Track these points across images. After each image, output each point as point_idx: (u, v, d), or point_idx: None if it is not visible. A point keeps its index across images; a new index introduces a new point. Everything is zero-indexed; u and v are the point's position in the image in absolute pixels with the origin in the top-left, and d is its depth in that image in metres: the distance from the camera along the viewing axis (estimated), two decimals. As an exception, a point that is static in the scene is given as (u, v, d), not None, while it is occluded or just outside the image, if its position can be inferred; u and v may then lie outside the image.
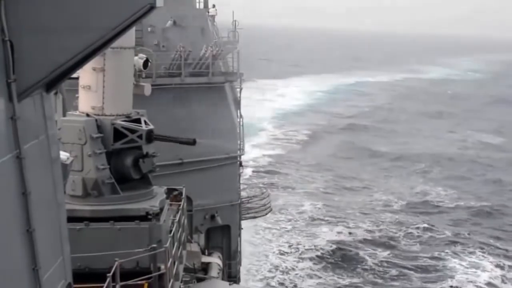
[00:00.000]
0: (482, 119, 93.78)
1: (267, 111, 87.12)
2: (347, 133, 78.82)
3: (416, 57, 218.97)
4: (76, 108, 15.22)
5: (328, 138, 75.68)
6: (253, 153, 60.05)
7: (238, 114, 26.30)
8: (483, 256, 39.04)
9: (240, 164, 26.37)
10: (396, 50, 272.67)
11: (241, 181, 27.92)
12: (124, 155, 14.86)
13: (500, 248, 40.64)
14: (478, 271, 36.63)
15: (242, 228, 27.62)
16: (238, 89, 26.65)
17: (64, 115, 14.51)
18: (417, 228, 43.75)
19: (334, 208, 47.84)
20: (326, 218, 45.31)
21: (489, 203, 49.98)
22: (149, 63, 16.78)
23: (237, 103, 26.65)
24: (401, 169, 61.00)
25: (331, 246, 39.52)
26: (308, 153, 67.52)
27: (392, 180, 57.38)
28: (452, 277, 35.87)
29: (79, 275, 9.48)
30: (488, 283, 35.18)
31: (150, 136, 14.95)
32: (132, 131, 14.80)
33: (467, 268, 37.19)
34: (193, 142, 15.37)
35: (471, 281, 35.29)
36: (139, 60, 16.09)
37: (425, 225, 44.19)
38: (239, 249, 26.66)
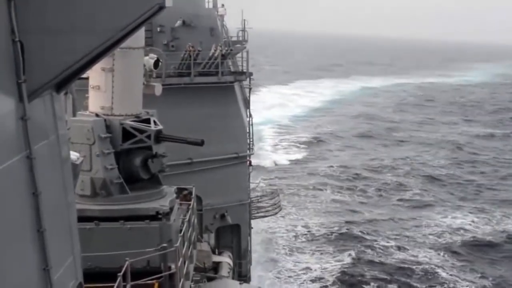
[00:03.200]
0: None
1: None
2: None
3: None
4: (86, 108, 15.26)
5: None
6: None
7: (247, 114, 26.30)
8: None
9: (250, 164, 26.37)
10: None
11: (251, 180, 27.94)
12: (133, 155, 14.88)
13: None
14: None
15: (252, 227, 27.62)
16: (247, 89, 26.66)
17: (74, 115, 14.55)
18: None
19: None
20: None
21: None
22: (160, 63, 16.78)
23: (247, 103, 26.66)
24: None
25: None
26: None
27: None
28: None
29: (89, 275, 9.49)
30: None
31: (159, 137, 14.95)
32: (141, 131, 14.80)
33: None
34: (201, 143, 15.33)
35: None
36: (149, 60, 16.10)
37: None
38: (249, 248, 26.67)
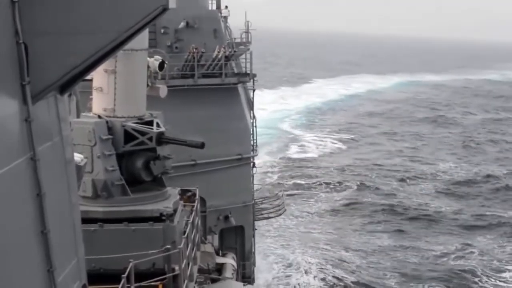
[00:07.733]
0: None
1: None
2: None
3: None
4: (90, 109, 15.28)
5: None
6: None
7: (251, 115, 26.30)
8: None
9: (253, 165, 26.37)
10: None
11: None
12: (136, 157, 14.86)
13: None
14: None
15: (256, 229, 27.62)
16: (251, 90, 26.66)
17: (78, 116, 14.56)
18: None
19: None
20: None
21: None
22: (165, 65, 16.77)
23: (250, 104, 26.66)
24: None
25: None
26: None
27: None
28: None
29: (93, 276, 9.52)
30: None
31: (161, 139, 14.91)
32: (143, 133, 14.78)
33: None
34: (201, 146, 15.28)
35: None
36: (154, 62, 16.10)
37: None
38: (253, 250, 26.66)
